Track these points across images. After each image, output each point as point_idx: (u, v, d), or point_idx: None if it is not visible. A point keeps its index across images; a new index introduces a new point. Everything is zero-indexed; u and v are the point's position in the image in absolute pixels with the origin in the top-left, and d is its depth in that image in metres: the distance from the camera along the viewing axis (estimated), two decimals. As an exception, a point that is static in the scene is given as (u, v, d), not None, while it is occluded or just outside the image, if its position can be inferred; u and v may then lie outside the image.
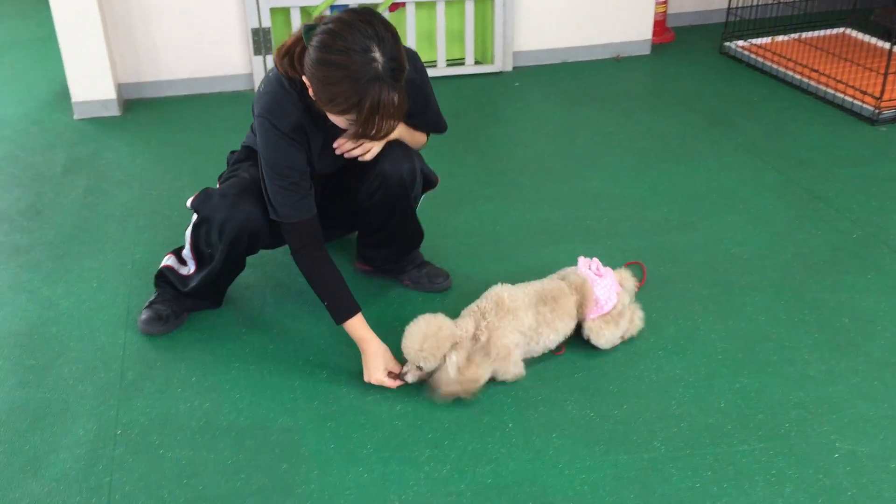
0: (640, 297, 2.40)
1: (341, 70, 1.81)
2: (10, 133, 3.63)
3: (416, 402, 2.05)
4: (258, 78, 4.03)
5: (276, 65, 2.04)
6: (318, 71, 1.84)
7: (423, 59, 2.23)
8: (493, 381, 2.08)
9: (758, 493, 1.77)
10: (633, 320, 2.24)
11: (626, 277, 2.30)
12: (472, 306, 2.14)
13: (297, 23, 3.96)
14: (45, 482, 1.83)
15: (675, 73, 4.22)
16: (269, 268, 2.61)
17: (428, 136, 2.40)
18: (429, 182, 2.42)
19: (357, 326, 2.11)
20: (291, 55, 1.99)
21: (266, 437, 1.96)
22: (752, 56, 4.26)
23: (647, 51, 4.46)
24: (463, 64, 4.28)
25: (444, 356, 2.00)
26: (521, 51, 4.30)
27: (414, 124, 2.28)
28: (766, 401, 2.04)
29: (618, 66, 4.33)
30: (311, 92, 1.93)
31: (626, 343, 2.24)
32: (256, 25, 3.92)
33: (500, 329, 2.07)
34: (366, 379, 2.08)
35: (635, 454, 1.88)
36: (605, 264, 2.26)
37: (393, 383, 2.07)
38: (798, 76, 3.96)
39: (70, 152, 3.44)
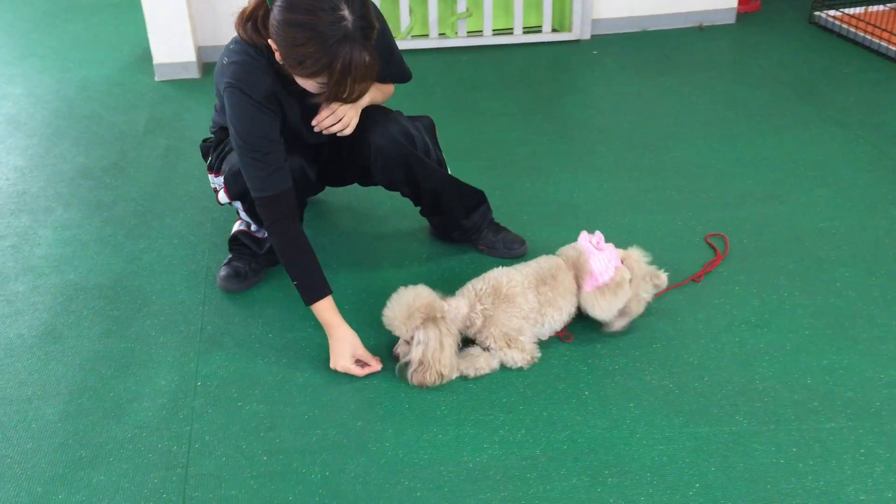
0: (724, 268, 2.33)
1: (309, 30, 1.72)
2: (94, 94, 3.72)
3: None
4: (334, 43, 4.03)
5: (238, 32, 1.96)
6: (285, 32, 1.75)
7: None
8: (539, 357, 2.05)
9: (846, 472, 1.71)
10: (633, 302, 2.09)
11: (634, 258, 2.14)
12: (468, 286, 2.07)
13: (374, -13, 3.94)
14: (128, 428, 1.88)
15: (761, 44, 4.06)
16: (345, 227, 2.62)
17: (407, 78, 2.35)
18: (430, 130, 2.32)
19: (325, 310, 2.01)
20: (255, 19, 1.90)
21: (341, 394, 1.96)
22: (844, 26, 4.07)
23: (731, 20, 4.30)
24: (540, 31, 4.20)
25: (416, 329, 1.93)
26: (600, 18, 4.20)
27: (381, 77, 2.17)
28: (856, 378, 1.95)
29: (701, 35, 4.20)
30: (278, 56, 1.85)
31: (707, 315, 2.17)
32: (334, -10, 3.92)
33: (495, 317, 2.00)
34: (331, 365, 2.00)
35: (716, 427, 1.83)
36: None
37: (360, 371, 1.98)
38: (893, 48, 3.77)
39: (151, 113, 3.50)
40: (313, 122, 2.08)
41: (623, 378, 1.99)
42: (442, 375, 1.94)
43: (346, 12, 1.73)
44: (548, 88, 3.69)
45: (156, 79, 3.81)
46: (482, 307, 2.01)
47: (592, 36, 4.20)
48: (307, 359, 2.07)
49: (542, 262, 2.12)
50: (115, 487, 1.73)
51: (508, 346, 2.01)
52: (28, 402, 1.96)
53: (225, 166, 2.22)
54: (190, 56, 3.81)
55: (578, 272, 2.09)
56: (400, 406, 1.93)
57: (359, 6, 1.75)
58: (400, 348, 2.01)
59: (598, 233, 2.14)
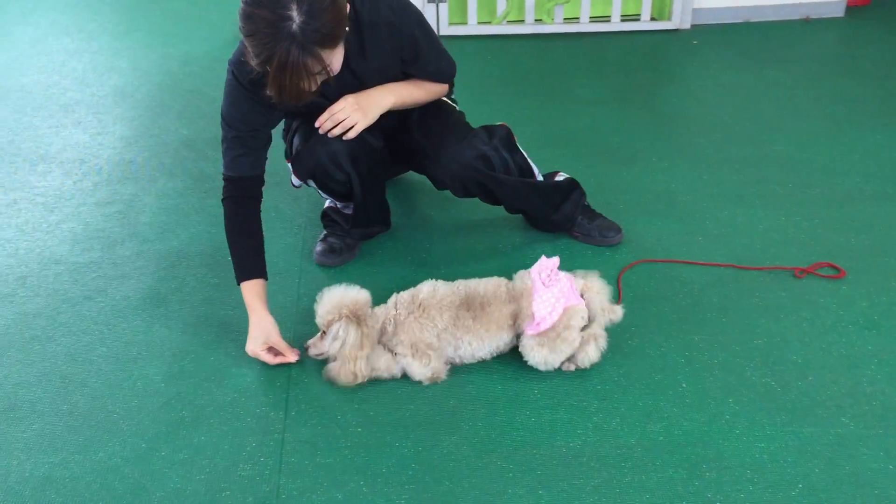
0: (830, 268, 2.25)
1: (252, 23, 1.70)
2: (195, 69, 3.82)
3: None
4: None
5: None
6: (240, 21, 1.74)
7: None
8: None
9: (961, 484, 1.63)
10: (586, 349, 1.91)
11: (595, 290, 1.94)
12: (394, 295, 2.00)
13: (472, -29, 3.93)
14: (228, 392, 1.93)
15: (871, 38, 3.90)
16: (435, 207, 2.62)
17: (450, 84, 2.30)
18: (508, 141, 2.26)
19: (250, 293, 2.00)
20: None
21: (434, 372, 1.97)
22: (963, 22, 3.87)
23: (840, 13, 4.15)
24: (638, 20, 4.12)
25: (339, 323, 1.88)
26: (702, 8, 4.10)
27: (414, 74, 2.15)
28: (972, 388, 1.86)
29: (807, 27, 4.05)
30: None
31: (812, 313, 2.10)
32: (432, -28, 3.92)
33: (406, 325, 1.93)
34: (246, 349, 1.99)
35: (821, 428, 1.77)
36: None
37: (271, 359, 1.96)
38: None
39: (250, 89, 3.57)
40: (316, 124, 2.08)
41: (722, 373, 1.94)
42: (356, 375, 1.89)
43: (292, 12, 1.69)
44: (645, 77, 3.62)
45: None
46: (395, 313, 1.95)
47: (692, 26, 4.11)
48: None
49: (482, 286, 1.96)
50: (214, 448, 1.78)
51: (413, 355, 1.92)
52: (133, 361, 2.03)
53: (291, 150, 2.28)
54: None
55: (519, 309, 1.92)
56: (492, 387, 1.92)
57: (312, 8, 1.70)
58: (313, 342, 1.95)
59: (554, 259, 1.94)
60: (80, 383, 1.96)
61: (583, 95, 3.44)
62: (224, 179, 2.06)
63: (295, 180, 2.35)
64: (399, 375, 1.95)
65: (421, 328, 1.92)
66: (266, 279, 2.05)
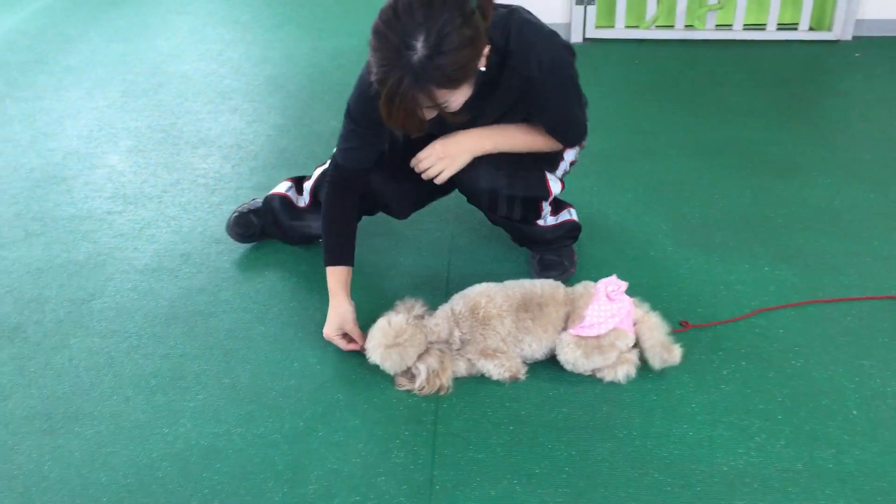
0: None
1: (379, 42, 1.65)
2: (345, 62, 3.90)
3: (744, 369, 1.94)
4: (576, 28, 4.00)
5: None
6: (371, 33, 1.68)
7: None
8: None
9: None
10: (616, 370, 1.90)
11: (649, 325, 1.92)
12: (447, 307, 1.97)
13: (624, -26, 3.87)
14: (380, 380, 1.95)
15: None
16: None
17: (570, 142, 2.14)
18: (532, 203, 2.14)
19: (333, 278, 2.05)
20: None
21: (582, 378, 1.94)
22: None
23: None
24: (795, 29, 3.96)
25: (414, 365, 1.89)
26: (866, 19, 3.90)
27: (534, 122, 2.06)
28: None
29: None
30: None
31: None
32: (583, -26, 3.88)
33: (473, 339, 1.93)
34: (323, 333, 2.03)
35: None
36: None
37: (345, 345, 2.01)
38: None
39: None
40: (411, 164, 2.06)
41: None
42: (444, 387, 1.90)
43: (418, 43, 1.62)
44: (802, 89, 3.47)
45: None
46: (460, 334, 1.94)
47: (854, 37, 3.91)
48: (552, 337, 2.07)
49: (538, 288, 1.97)
50: (368, 433, 1.81)
51: (486, 358, 1.92)
52: (290, 342, 2.09)
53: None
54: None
55: (573, 313, 1.93)
56: (647, 396, 1.88)
57: (440, 46, 1.61)
58: (399, 381, 1.93)
59: (623, 283, 1.93)
60: (241, 359, 2.03)
61: (735, 104, 3.33)
62: (333, 165, 2.09)
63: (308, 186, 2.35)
64: (476, 374, 1.96)
65: (485, 339, 1.92)
66: (352, 267, 2.08)
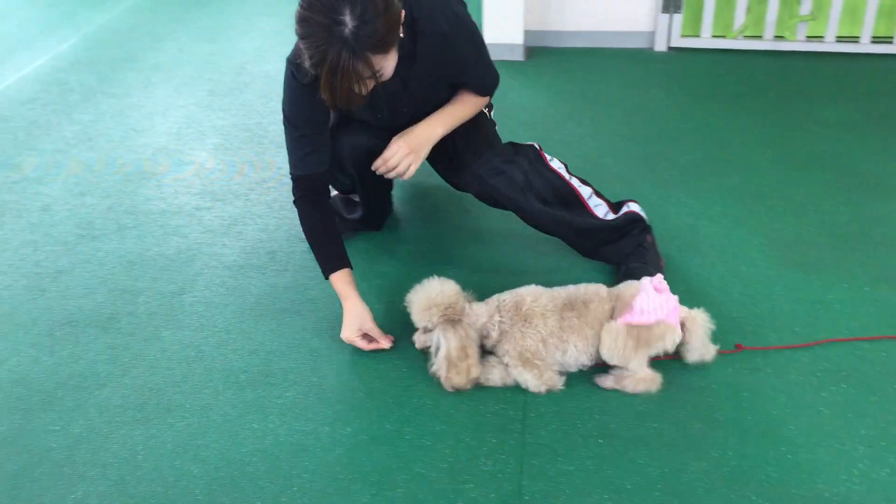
0: None
1: (306, 26, 1.70)
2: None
3: (845, 392, 1.87)
4: (660, 37, 3.94)
5: None
6: (296, 24, 1.74)
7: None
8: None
9: None
10: (645, 381, 1.88)
11: (699, 321, 1.91)
12: (495, 296, 1.98)
13: (713, -18, 3.79)
14: (470, 395, 1.94)
15: None
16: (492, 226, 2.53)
17: (490, 90, 2.21)
18: (536, 160, 2.20)
19: (339, 282, 2.06)
20: None
21: (676, 392, 1.89)
22: None
23: None
24: (891, 42, 3.82)
25: (434, 325, 1.90)
26: (967, 32, 3.74)
27: (459, 83, 2.14)
28: None
29: None
30: None
31: None
32: (671, -18, 3.82)
33: (511, 334, 1.90)
34: (341, 336, 2.03)
35: None
36: None
37: (366, 345, 2.02)
38: None
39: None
40: (373, 167, 2.13)
41: None
42: (468, 379, 1.89)
43: (346, 17, 1.67)
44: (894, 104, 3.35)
45: (482, 58, 3.94)
46: (499, 319, 1.93)
47: (954, 51, 3.76)
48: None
49: (581, 288, 1.96)
50: (455, 439, 1.80)
51: (524, 366, 1.89)
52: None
53: None
54: (517, 38, 3.89)
55: (619, 304, 1.89)
56: (742, 416, 1.82)
57: (365, 14, 1.68)
58: (417, 336, 1.98)
59: (662, 278, 1.92)
60: (327, 358, 2.04)
61: (828, 118, 3.22)
62: (293, 179, 2.11)
63: None
64: (511, 385, 1.93)
65: (523, 336, 1.90)
66: (351, 267, 2.10)
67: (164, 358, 2.06)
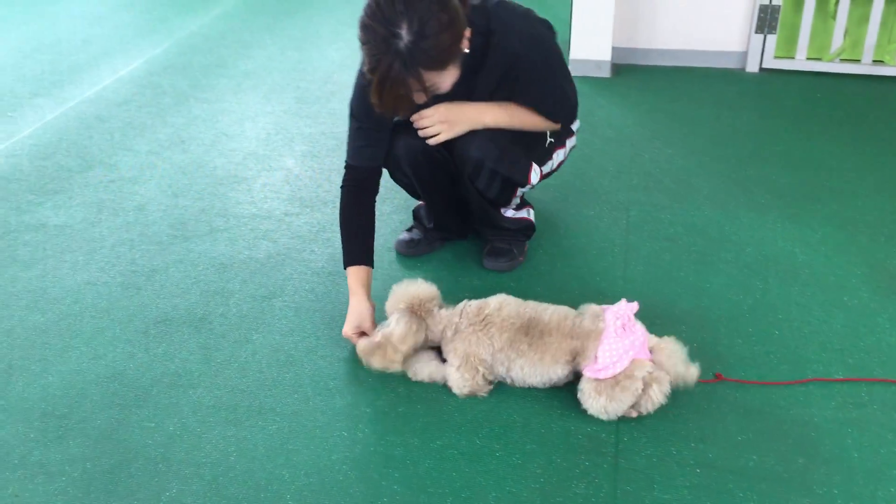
0: None
1: (367, 35, 1.77)
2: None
3: (959, 436, 1.78)
4: (753, 58, 3.85)
5: None
6: (359, 30, 1.79)
7: None
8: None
9: None
10: (649, 392, 1.81)
11: (667, 352, 1.85)
12: (465, 301, 1.99)
13: (810, 2, 3.69)
14: (558, 406, 1.90)
15: None
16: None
17: (561, 119, 2.24)
18: (509, 186, 2.24)
19: (353, 278, 2.08)
20: None
21: (778, 424, 1.83)
22: None
23: None
24: None
25: (395, 313, 1.95)
26: None
27: (520, 102, 2.13)
28: None
29: None
30: None
31: None
32: (766, 2, 3.73)
33: (464, 335, 1.91)
34: (342, 332, 2.06)
35: None
36: None
37: (362, 344, 1.99)
38: None
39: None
40: (412, 118, 2.11)
41: None
42: (388, 365, 1.93)
43: (402, 30, 1.73)
44: None
45: (568, 73, 3.91)
46: (458, 321, 1.94)
47: None
48: (740, 372, 1.96)
49: (549, 314, 1.90)
50: (546, 459, 1.76)
51: (464, 365, 1.90)
52: (465, 357, 2.07)
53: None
54: (605, 55, 3.85)
55: (581, 348, 1.84)
56: (847, 453, 1.75)
57: (423, 30, 1.74)
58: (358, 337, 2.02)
59: (633, 305, 1.86)
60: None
61: (931, 146, 3.10)
62: (346, 167, 2.16)
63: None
64: (441, 382, 1.95)
65: (478, 342, 1.90)
66: (372, 267, 2.12)
67: (255, 361, 2.07)
